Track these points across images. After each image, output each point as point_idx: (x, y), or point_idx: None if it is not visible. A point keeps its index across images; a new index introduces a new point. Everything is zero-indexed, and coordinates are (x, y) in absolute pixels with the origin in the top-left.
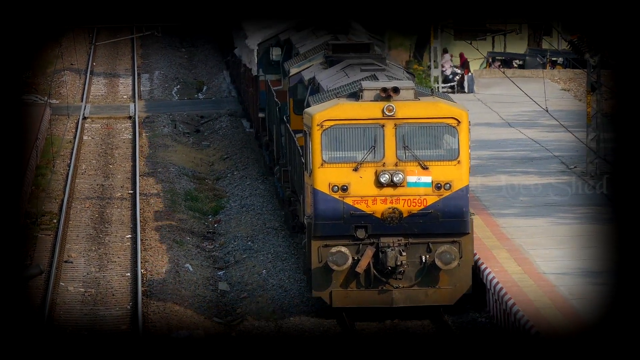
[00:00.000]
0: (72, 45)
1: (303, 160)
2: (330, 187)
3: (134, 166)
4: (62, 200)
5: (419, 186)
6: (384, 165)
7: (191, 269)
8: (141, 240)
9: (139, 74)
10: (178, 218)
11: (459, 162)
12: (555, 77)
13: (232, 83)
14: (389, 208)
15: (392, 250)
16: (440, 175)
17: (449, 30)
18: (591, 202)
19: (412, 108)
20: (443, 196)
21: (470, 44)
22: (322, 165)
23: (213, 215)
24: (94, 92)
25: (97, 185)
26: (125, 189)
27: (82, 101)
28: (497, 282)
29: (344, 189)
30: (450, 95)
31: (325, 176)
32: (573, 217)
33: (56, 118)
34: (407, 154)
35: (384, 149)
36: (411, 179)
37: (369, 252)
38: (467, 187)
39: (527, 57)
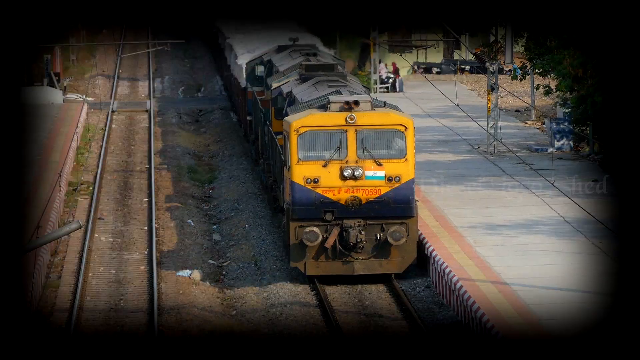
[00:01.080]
0: (104, 58)
1: (283, 158)
2: (305, 179)
3: (149, 147)
4: (96, 173)
5: (375, 179)
6: (347, 163)
7: (192, 224)
8: (155, 202)
9: (153, 79)
10: (182, 186)
11: (406, 159)
12: (463, 80)
13: (223, 85)
14: (351, 196)
15: (353, 229)
16: (392, 170)
17: (385, 46)
18: (489, 173)
19: (369, 117)
20: (394, 187)
21: (400, 55)
22: (298, 162)
23: (209, 184)
24: (120, 92)
25: (122, 161)
26: (143, 164)
27: (111, 99)
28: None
29: (316, 181)
30: (386, 95)
31: (301, 171)
32: (477, 185)
33: (92, 111)
34: (365, 154)
35: (347, 149)
36: (369, 173)
37: (335, 231)
38: (412, 179)
39: (442, 65)
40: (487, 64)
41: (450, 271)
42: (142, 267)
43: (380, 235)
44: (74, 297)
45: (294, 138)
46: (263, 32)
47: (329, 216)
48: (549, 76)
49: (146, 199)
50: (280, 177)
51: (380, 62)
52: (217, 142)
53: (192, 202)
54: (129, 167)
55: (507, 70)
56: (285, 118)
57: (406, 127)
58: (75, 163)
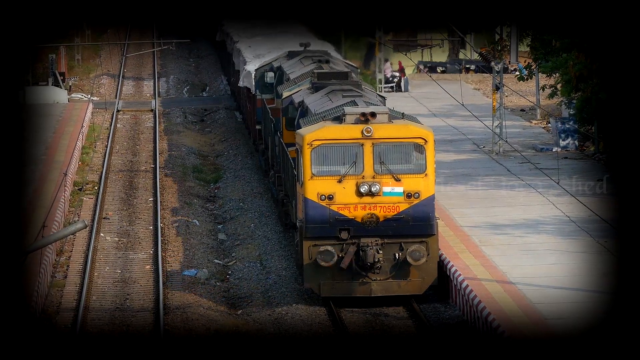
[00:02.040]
0: (109, 57)
1: (295, 172)
2: (319, 196)
3: (154, 147)
4: (102, 172)
5: (393, 195)
6: (363, 178)
7: (197, 223)
8: (160, 202)
9: (158, 78)
10: (187, 185)
11: (426, 175)
12: (468, 79)
13: (229, 86)
14: (368, 214)
15: (370, 248)
16: (411, 186)
17: (390, 45)
18: (494, 173)
19: (386, 129)
20: (413, 204)
21: (405, 55)
22: (311, 177)
23: (214, 183)
24: (125, 91)
25: (127, 160)
26: (148, 163)
27: (116, 98)
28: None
29: (330, 197)
30: (391, 94)
31: (315, 187)
32: (482, 184)
33: (97, 111)
34: (382, 168)
35: (363, 164)
36: (386, 189)
37: (351, 250)
38: (433, 196)
39: (447, 65)
40: (492, 63)
41: (456, 270)
42: (148, 267)
43: (398, 255)
44: (79, 297)
45: (307, 152)
46: (271, 35)
47: (344, 235)
48: (554, 75)
49: (151, 199)
50: (293, 192)
51: (387, 61)
52: (222, 142)
53: (197, 201)
54: (134, 167)
55: (513, 69)
56: (298, 131)
57: (426, 140)
58: (80, 162)
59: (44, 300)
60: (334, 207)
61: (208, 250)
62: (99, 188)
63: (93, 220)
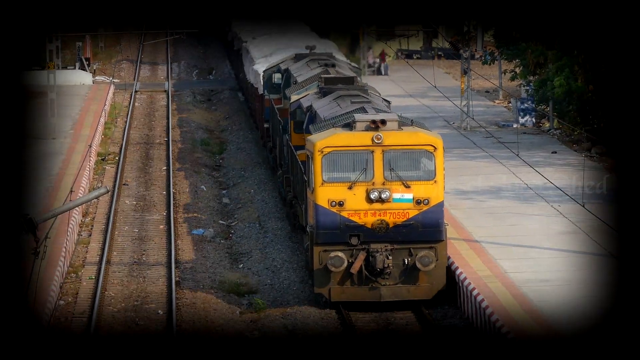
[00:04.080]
0: (128, 45)
1: (306, 178)
2: (329, 202)
3: (167, 122)
4: (121, 145)
5: (403, 202)
6: (373, 184)
7: (204, 189)
8: (172, 170)
9: (171, 63)
10: (196, 156)
11: (435, 181)
12: (440, 65)
13: (232, 69)
14: (378, 220)
15: (380, 254)
16: (420, 192)
17: (372, 35)
18: (462, 146)
19: (396, 137)
20: (422, 210)
21: (385, 43)
22: (322, 184)
23: (219, 154)
24: (142, 74)
25: (144, 134)
26: (162, 137)
27: (134, 80)
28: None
29: (341, 204)
30: (373, 77)
31: (325, 193)
32: (451, 156)
33: (117, 91)
34: (392, 175)
35: (373, 170)
36: (396, 195)
37: (361, 256)
38: (442, 202)
39: (422, 52)
40: (461, 51)
41: None
42: (162, 227)
43: (408, 261)
44: (102, 252)
45: (318, 159)
46: (276, 35)
47: (354, 240)
48: (515, 61)
49: (165, 168)
50: (301, 195)
51: (369, 48)
52: (226, 119)
53: (204, 170)
54: (149, 140)
55: (478, 56)
56: (309, 137)
57: (435, 148)
58: (103, 136)
59: (71, 255)
60: (344, 214)
61: (214, 212)
62: (119, 158)
63: (114, 186)
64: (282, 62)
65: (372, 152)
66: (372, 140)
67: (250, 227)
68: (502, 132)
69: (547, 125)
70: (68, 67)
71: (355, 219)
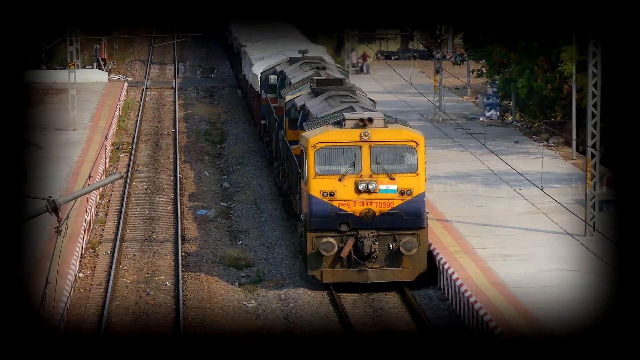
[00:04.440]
0: (140, 47)
1: (300, 171)
2: (321, 193)
3: (174, 116)
4: (134, 135)
5: (388, 192)
6: (361, 177)
7: (207, 174)
8: (179, 158)
9: (177, 63)
10: (200, 145)
11: (417, 174)
12: (415, 65)
13: (232, 68)
14: (365, 209)
15: (367, 240)
16: (404, 184)
17: (355, 38)
18: (435, 136)
19: (382, 133)
20: (405, 200)
21: (367, 45)
22: (315, 176)
23: (220, 144)
24: (152, 73)
25: (154, 126)
26: (169, 128)
27: (145, 78)
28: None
29: (332, 194)
30: (357, 75)
31: (318, 185)
32: (425, 145)
33: (130, 88)
34: (378, 168)
35: (361, 164)
36: (382, 187)
37: (350, 241)
38: (423, 193)
39: (400, 53)
40: (434, 52)
41: None
42: (169, 208)
43: (392, 246)
44: (117, 230)
45: (311, 153)
46: (271, 40)
47: (344, 227)
48: (481, 62)
49: (172, 156)
50: (296, 185)
51: (353, 50)
52: (226, 112)
53: (207, 158)
54: (159, 131)
55: (449, 57)
56: (303, 134)
57: (417, 143)
58: (117, 128)
59: (90, 233)
60: (335, 203)
61: (215, 195)
62: (132, 147)
63: (127, 172)
64: (277, 64)
65: (360, 147)
66: (360, 136)
67: (248, 208)
68: (470, 124)
69: (510, 118)
70: (87, 67)
71: (345, 207)
